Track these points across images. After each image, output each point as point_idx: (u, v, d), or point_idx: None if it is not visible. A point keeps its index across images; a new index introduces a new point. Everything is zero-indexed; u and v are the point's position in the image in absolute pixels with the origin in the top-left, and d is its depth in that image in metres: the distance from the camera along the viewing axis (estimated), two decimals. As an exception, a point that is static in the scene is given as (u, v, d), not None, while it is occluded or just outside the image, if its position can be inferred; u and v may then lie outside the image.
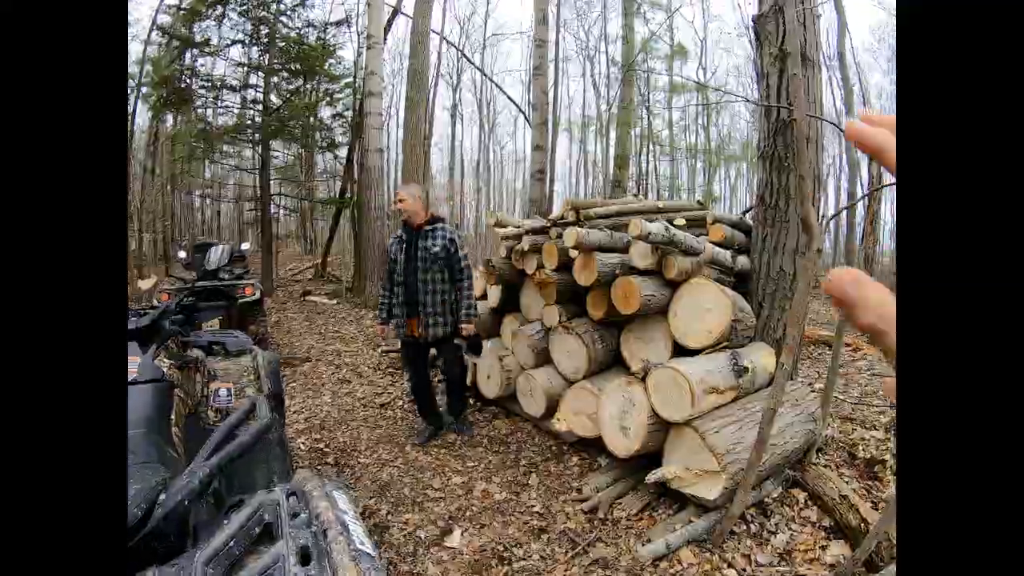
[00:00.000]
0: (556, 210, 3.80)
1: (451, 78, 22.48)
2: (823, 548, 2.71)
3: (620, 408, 2.99)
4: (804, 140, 2.36)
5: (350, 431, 4.19)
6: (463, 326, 3.68)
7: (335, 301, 10.24)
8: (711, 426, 2.74)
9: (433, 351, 4.15)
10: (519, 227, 4.06)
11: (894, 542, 2.57)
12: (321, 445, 3.91)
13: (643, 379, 2.90)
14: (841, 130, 2.95)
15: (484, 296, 4.70)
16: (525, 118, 10.56)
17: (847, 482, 3.27)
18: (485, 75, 17.02)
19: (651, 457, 3.03)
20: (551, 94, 13.66)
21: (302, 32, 11.28)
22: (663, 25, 14.54)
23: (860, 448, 3.89)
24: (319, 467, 3.57)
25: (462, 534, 2.80)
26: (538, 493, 3.21)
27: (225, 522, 1.02)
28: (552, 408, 3.69)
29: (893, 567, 2.36)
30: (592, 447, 3.55)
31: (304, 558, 0.93)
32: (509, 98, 13.93)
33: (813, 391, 3.40)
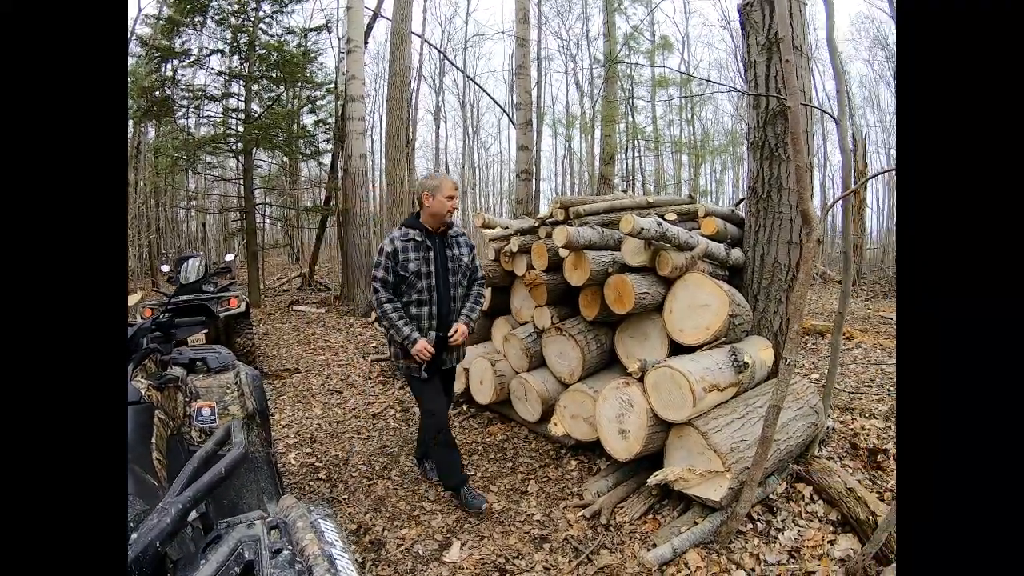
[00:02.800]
0: (543, 209, 3.71)
1: (433, 81, 22.38)
2: (831, 543, 2.66)
3: (618, 410, 2.91)
4: (800, 129, 2.29)
5: (342, 444, 4.08)
6: (461, 329, 3.02)
7: (323, 310, 10.10)
8: (713, 425, 2.68)
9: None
10: (507, 228, 3.97)
11: None
12: (313, 459, 3.80)
13: (640, 379, 2.83)
14: (834, 118, 2.90)
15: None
16: (509, 119, 10.50)
17: (851, 474, 3.22)
18: (467, 76, 16.94)
19: (652, 458, 2.96)
20: (535, 93, 13.62)
21: (282, 39, 11.13)
22: (644, 20, 14.54)
23: (862, 438, 3.86)
24: (311, 483, 3.46)
25: (461, 547, 2.71)
26: (538, 500, 3.12)
27: (203, 562, 0.93)
28: (548, 412, 3.61)
29: None
30: (591, 450, 3.48)
31: (289, 601, 0.85)
32: (492, 99, 13.85)
33: (812, 383, 3.34)
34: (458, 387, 4.46)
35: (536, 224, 3.64)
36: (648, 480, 2.75)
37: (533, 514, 2.97)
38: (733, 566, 2.50)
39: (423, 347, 2.79)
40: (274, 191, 13.80)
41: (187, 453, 1.97)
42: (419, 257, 2.83)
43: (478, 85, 16.27)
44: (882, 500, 2.98)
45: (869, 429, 4.07)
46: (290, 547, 0.97)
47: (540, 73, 16.05)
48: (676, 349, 3.08)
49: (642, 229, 2.84)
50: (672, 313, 3.07)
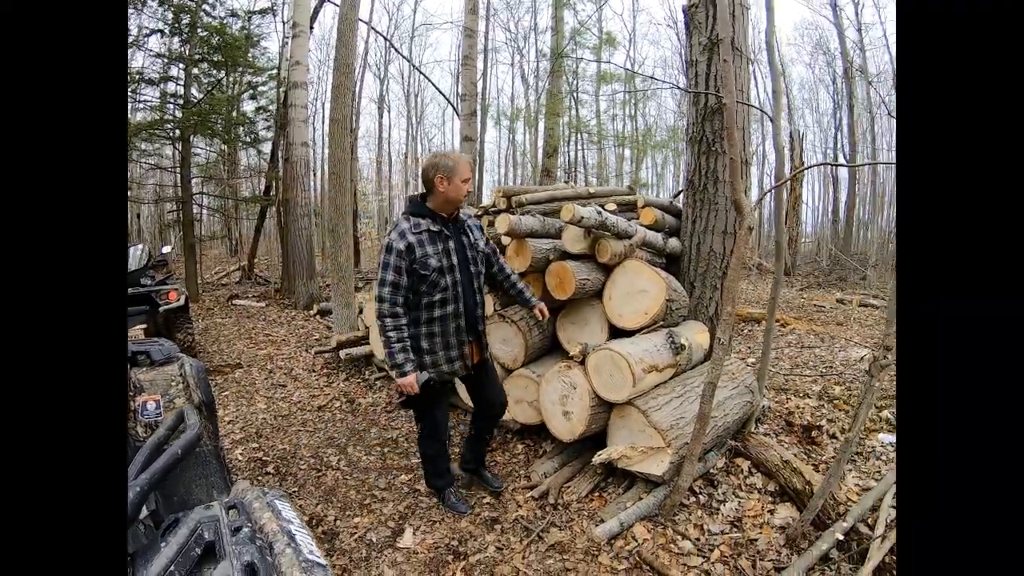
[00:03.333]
0: (486, 200, 3.77)
1: (378, 69, 21.95)
2: (771, 512, 2.85)
3: (561, 393, 3.03)
4: (735, 125, 2.44)
5: (288, 437, 4.03)
6: (540, 306, 2.86)
7: (264, 304, 9.83)
8: (653, 404, 2.83)
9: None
10: None
11: (839, 501, 2.74)
12: (260, 454, 3.74)
13: (582, 362, 2.95)
14: (769, 117, 3.07)
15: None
16: (454, 109, 10.44)
17: (787, 448, 3.45)
18: (414, 66, 16.69)
19: (596, 438, 3.09)
20: (480, 85, 13.61)
21: (225, 21, 10.65)
22: (592, 16, 14.76)
23: (796, 416, 4.12)
24: (259, 478, 3.42)
25: (414, 533, 2.76)
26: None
27: (163, 545, 0.95)
28: None
29: (841, 523, 2.49)
30: (536, 434, 3.59)
31: (252, 575, 0.88)
32: (437, 89, 13.73)
33: (748, 365, 3.56)
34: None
35: (479, 213, 3.71)
36: (593, 459, 2.87)
37: (483, 497, 3.05)
38: (678, 536, 2.65)
39: (410, 384, 2.49)
40: (212, 180, 13.26)
41: (133, 450, 1.93)
42: (439, 250, 2.49)
43: (423, 75, 16.08)
44: (817, 471, 3.20)
45: (803, 408, 4.35)
46: (249, 524, 1.00)
47: (487, 65, 16.06)
48: (616, 334, 3.22)
49: (582, 218, 2.94)
50: (611, 299, 3.22)
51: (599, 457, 2.83)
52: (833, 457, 3.55)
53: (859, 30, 17.78)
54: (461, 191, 2.52)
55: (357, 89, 14.41)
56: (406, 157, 23.89)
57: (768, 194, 2.68)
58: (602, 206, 3.77)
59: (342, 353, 5.45)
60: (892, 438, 3.88)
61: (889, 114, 15.10)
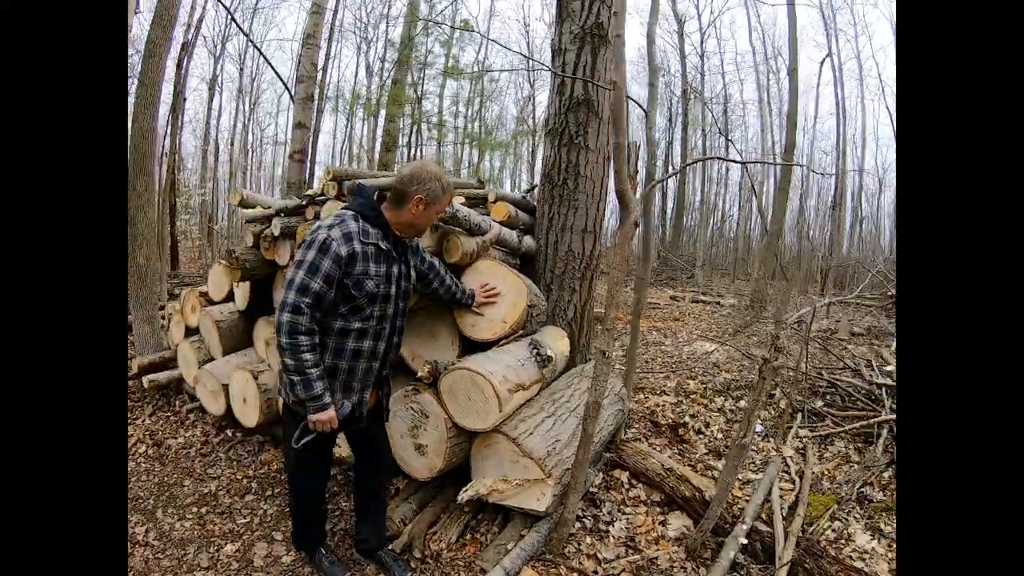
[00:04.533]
0: (316, 187, 3.06)
1: (215, 46, 19.46)
2: (663, 524, 2.67)
3: (410, 422, 2.50)
4: (622, 108, 2.13)
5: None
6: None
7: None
8: (523, 428, 2.41)
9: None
10: (268, 208, 3.26)
11: (738, 506, 2.66)
12: None
13: (433, 384, 2.45)
14: (645, 111, 2.88)
15: (228, 298, 3.81)
16: (288, 91, 9.31)
17: (660, 451, 3.33)
18: (251, 41, 14.77)
19: (458, 471, 2.62)
20: (321, 68, 12.44)
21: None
22: (449, 6, 14.29)
23: (659, 415, 4.05)
24: None
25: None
26: (336, 539, 2.58)
27: None
28: None
29: (741, 526, 2.41)
30: None
31: None
32: (273, 69, 12.23)
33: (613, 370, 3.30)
34: (216, 408, 3.62)
35: (303, 203, 3.01)
36: (458, 497, 2.38)
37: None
38: (574, 573, 2.32)
39: (331, 420, 1.95)
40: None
41: None
42: (380, 272, 1.98)
43: (259, 50, 14.28)
44: (699, 474, 3.09)
45: (664, 405, 4.31)
46: None
47: (330, 48, 14.82)
48: (470, 347, 2.76)
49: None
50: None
51: (465, 494, 2.34)
52: (707, 454, 3.53)
53: (701, 56, 19.63)
54: (430, 222, 2.12)
55: (186, 64, 12.40)
56: (231, 144, 21.39)
57: (657, 185, 2.42)
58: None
59: (145, 380, 4.25)
60: (756, 427, 3.94)
61: (720, 132, 16.82)
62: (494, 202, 3.51)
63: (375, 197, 2.03)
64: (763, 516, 2.62)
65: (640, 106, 3.08)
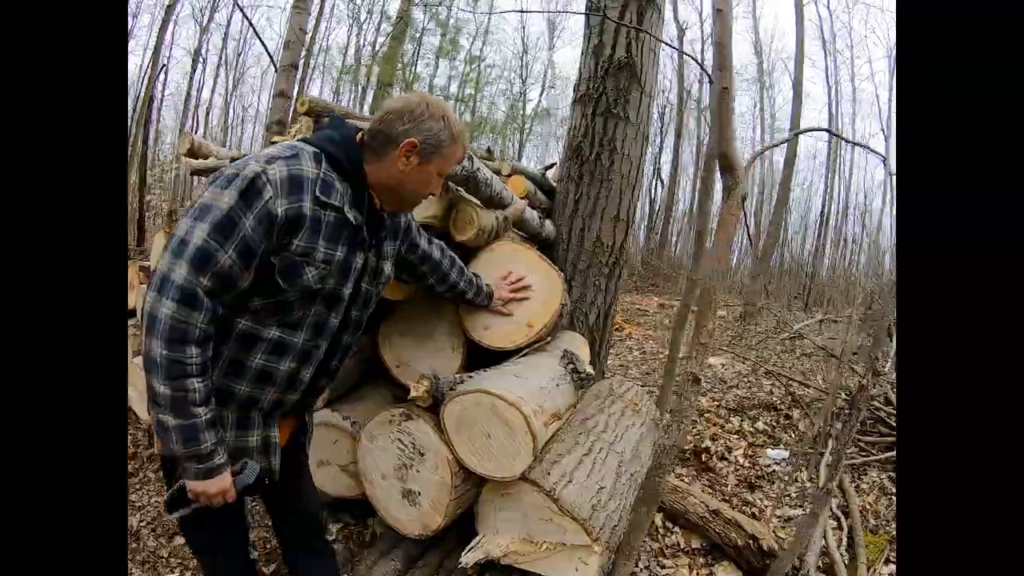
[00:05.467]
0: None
1: (202, 16, 18.38)
2: None
3: (397, 459, 1.80)
4: (727, 36, 1.52)
5: None
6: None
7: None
8: (558, 473, 1.71)
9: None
10: (222, 158, 2.54)
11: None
12: None
13: (431, 408, 1.77)
14: (710, 77, 2.41)
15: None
16: (270, 58, 8.53)
17: (689, 483, 2.88)
18: (239, 6, 13.77)
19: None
20: (310, 37, 11.59)
21: None
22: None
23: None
24: None
25: None
26: None
27: None
28: None
29: None
30: (357, 505, 2.31)
31: None
32: (257, 35, 11.33)
33: (644, 389, 2.69)
34: (145, 412, 2.90)
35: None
36: (461, 559, 1.70)
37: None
38: None
39: (221, 493, 1.17)
40: None
41: None
42: (334, 258, 1.23)
43: (245, 15, 13.31)
44: (736, 509, 2.62)
45: None
46: None
47: (321, 14, 13.94)
48: (477, 353, 2.09)
49: None
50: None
51: (471, 556, 1.67)
52: (737, 485, 3.11)
53: (701, 66, 19.23)
54: (428, 189, 1.34)
55: (171, 32, 11.46)
56: (207, 111, 20.34)
57: (762, 153, 1.86)
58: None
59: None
60: (781, 453, 3.57)
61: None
62: (509, 175, 2.85)
63: (358, 138, 1.29)
64: (820, 564, 2.25)
65: (705, 71, 2.49)
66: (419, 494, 1.77)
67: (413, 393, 1.71)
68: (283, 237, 1.13)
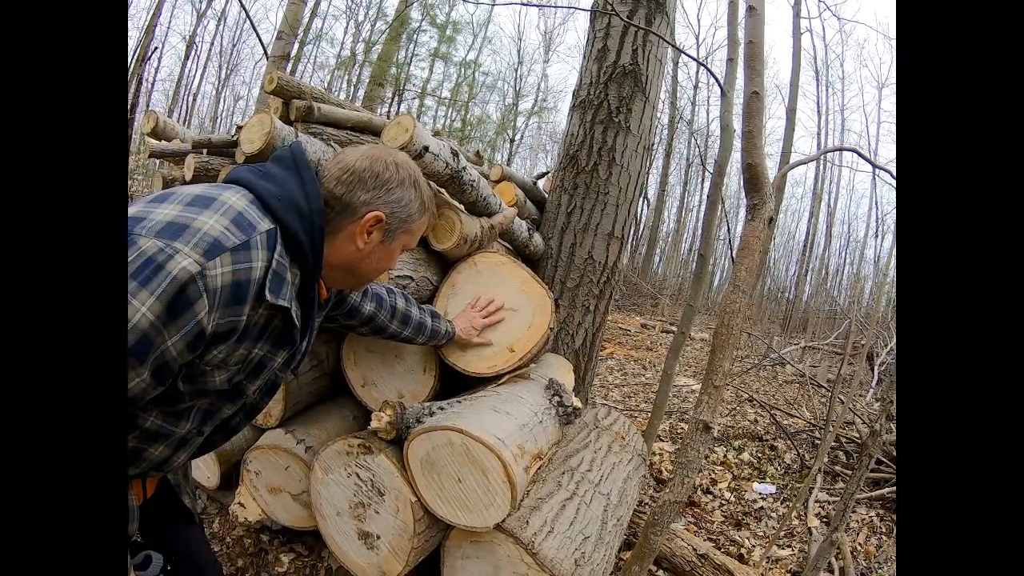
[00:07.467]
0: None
1: (199, 1, 18.10)
2: None
3: (354, 496, 1.58)
4: (760, 41, 1.35)
5: None
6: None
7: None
8: (537, 522, 1.48)
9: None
10: (186, 141, 2.27)
11: None
12: None
13: (395, 441, 1.56)
14: (720, 84, 2.26)
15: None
16: (263, 47, 8.32)
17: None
18: None
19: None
20: (304, 28, 11.37)
21: None
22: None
23: (661, 467, 3.37)
24: None
25: None
26: None
27: None
28: (232, 475, 2.09)
29: None
30: (311, 534, 2.08)
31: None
32: (250, 21, 11.11)
33: (629, 419, 2.49)
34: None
35: (233, 136, 1.88)
36: None
37: None
38: None
39: None
40: None
41: None
42: (254, 354, 0.97)
43: (242, 5, 13.07)
44: (723, 551, 2.49)
45: (662, 454, 3.63)
46: None
47: (314, 20, 13.73)
48: (450, 375, 1.88)
49: (426, 149, 1.56)
50: (450, 316, 1.84)
51: None
52: (724, 522, 2.98)
53: (695, 87, 19.39)
54: (388, 266, 1.12)
55: (168, 15, 11.18)
56: (195, 98, 19.99)
57: (792, 168, 1.75)
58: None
59: None
60: (767, 488, 3.44)
61: (702, 163, 16.61)
62: (498, 181, 2.67)
63: (319, 182, 1.00)
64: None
65: (719, 82, 2.33)
66: (377, 537, 1.54)
67: (374, 424, 1.49)
68: (204, 349, 0.87)
